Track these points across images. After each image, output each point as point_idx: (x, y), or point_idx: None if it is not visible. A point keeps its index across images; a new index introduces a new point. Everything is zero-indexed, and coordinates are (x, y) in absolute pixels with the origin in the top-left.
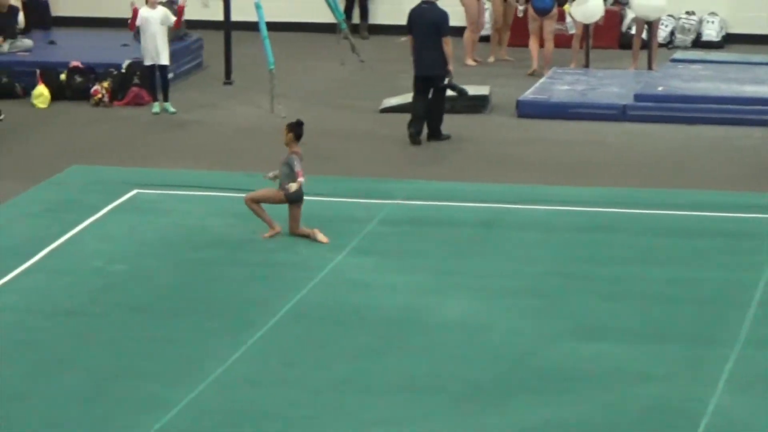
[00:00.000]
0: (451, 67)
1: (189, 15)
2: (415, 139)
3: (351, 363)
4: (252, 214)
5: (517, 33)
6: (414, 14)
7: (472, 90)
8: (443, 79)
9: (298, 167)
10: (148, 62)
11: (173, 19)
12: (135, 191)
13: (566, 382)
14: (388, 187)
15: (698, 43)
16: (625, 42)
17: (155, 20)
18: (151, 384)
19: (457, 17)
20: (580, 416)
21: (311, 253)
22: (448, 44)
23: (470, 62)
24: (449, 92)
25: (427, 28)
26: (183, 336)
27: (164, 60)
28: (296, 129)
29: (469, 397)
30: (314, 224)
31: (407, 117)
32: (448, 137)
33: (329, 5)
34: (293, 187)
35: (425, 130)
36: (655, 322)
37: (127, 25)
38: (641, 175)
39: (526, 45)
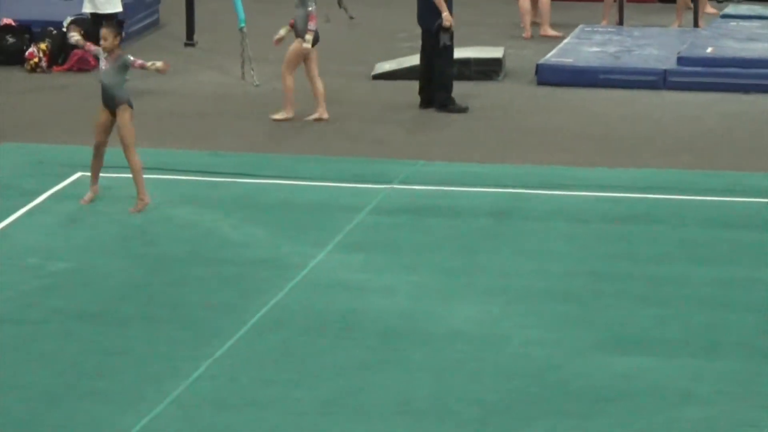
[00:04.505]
0: (446, 17)
1: None
2: (420, 103)
3: (338, 381)
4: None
5: None
6: None
7: (481, 53)
8: (434, 33)
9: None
10: (90, 9)
11: None
12: (79, 174)
13: (597, 403)
14: (382, 168)
15: None
16: None
17: None
18: (99, 407)
19: None
20: None
21: (290, 249)
22: None
23: (550, 32)
24: (457, 54)
25: None
26: (136, 348)
27: (113, 7)
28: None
29: (480, 422)
30: (292, 213)
31: (405, 84)
32: (462, 109)
33: None
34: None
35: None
36: (702, 332)
37: None
38: (686, 154)
39: None
